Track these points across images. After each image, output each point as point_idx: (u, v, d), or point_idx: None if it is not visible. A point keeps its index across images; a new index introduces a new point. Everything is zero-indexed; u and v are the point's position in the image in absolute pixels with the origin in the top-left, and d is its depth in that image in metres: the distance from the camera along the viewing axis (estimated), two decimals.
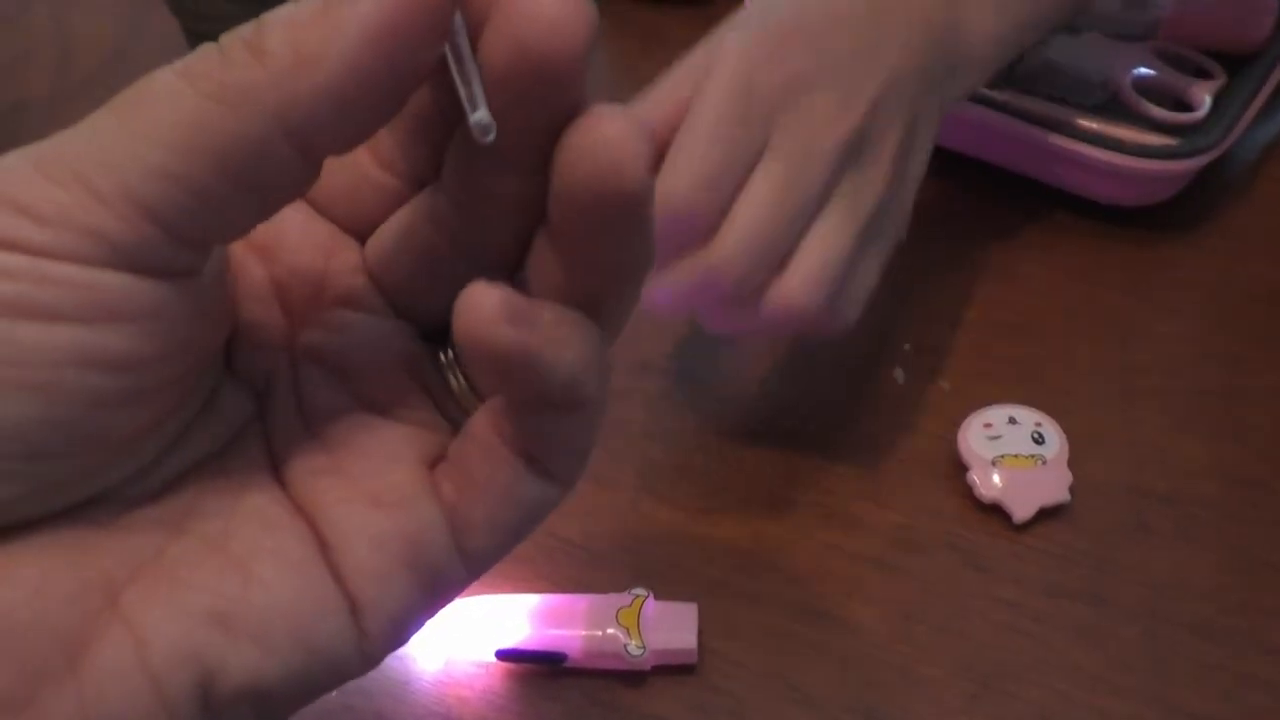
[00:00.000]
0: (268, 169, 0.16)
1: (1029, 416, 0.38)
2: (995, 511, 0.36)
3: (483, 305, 0.16)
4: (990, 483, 0.36)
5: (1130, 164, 0.43)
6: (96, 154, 0.15)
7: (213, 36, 0.16)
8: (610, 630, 0.32)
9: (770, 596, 0.34)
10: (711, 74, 0.33)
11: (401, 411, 0.20)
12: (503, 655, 0.33)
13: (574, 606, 0.33)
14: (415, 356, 0.20)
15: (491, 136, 0.16)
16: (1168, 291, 0.44)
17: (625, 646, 0.32)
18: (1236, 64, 0.48)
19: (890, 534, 0.36)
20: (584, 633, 0.32)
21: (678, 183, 0.32)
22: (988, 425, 0.38)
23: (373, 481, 0.19)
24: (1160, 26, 0.49)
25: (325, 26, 0.15)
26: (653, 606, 0.33)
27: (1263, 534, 0.36)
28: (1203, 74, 0.48)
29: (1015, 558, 0.35)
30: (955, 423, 0.38)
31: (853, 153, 0.33)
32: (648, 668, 0.33)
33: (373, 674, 0.19)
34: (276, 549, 0.18)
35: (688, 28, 0.58)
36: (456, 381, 0.20)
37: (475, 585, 0.19)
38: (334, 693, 0.19)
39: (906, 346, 0.41)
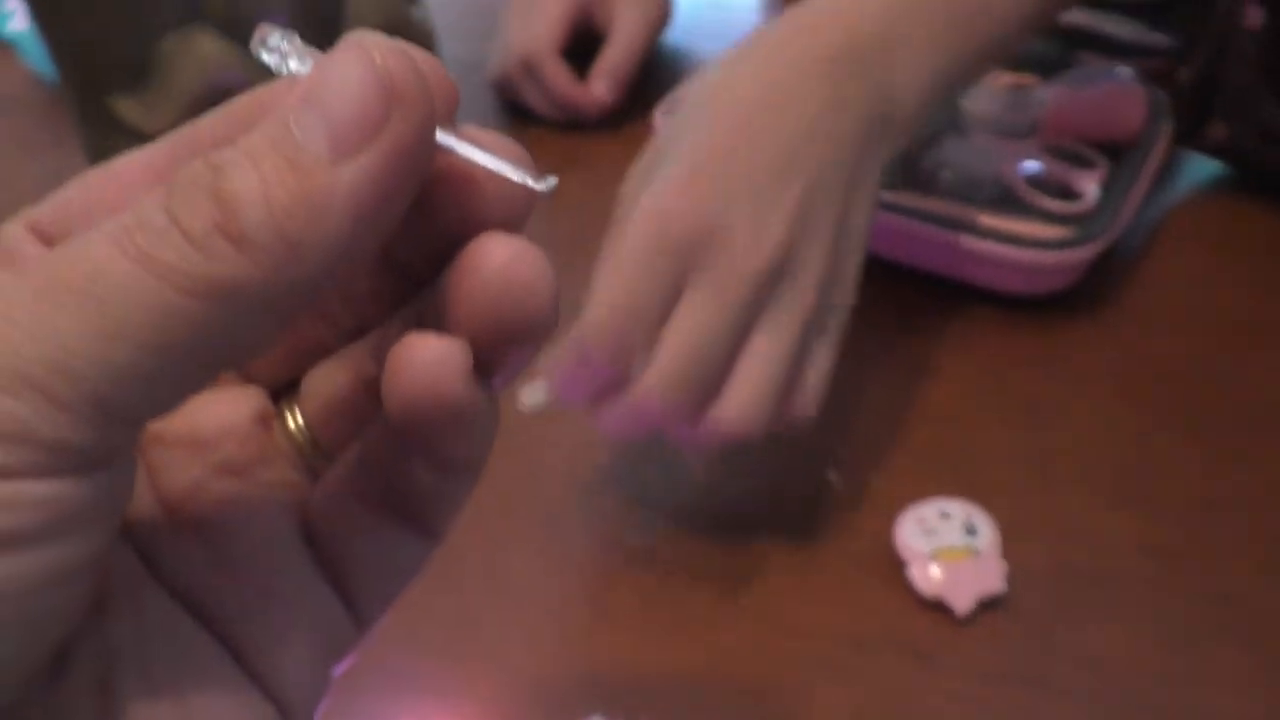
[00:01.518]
0: (247, 349, 0.15)
1: (960, 509, 0.39)
2: (936, 606, 0.37)
3: (449, 360, 0.15)
4: (929, 578, 0.37)
5: (1030, 257, 0.45)
6: (55, 357, 0.13)
7: (118, 149, 0.15)
8: None
9: (726, 711, 0.35)
10: (627, 225, 0.34)
11: (259, 474, 0.18)
12: None
13: None
14: (266, 414, 0.19)
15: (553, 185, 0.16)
16: (1079, 373, 0.46)
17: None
18: (1117, 153, 0.52)
19: (837, 637, 0.37)
20: None
21: (599, 315, 0.33)
22: (921, 521, 0.39)
23: (267, 580, 0.17)
24: (1042, 123, 0.53)
25: (309, 206, 0.14)
26: None
27: (1187, 603, 0.37)
28: (1086, 164, 0.51)
29: (958, 650, 0.36)
30: (890, 519, 0.39)
31: (775, 272, 0.35)
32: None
33: None
34: (199, 672, 0.16)
35: (606, 150, 0.61)
36: (298, 437, 0.19)
37: None
38: None
39: (839, 448, 0.43)
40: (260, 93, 0.16)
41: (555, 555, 0.40)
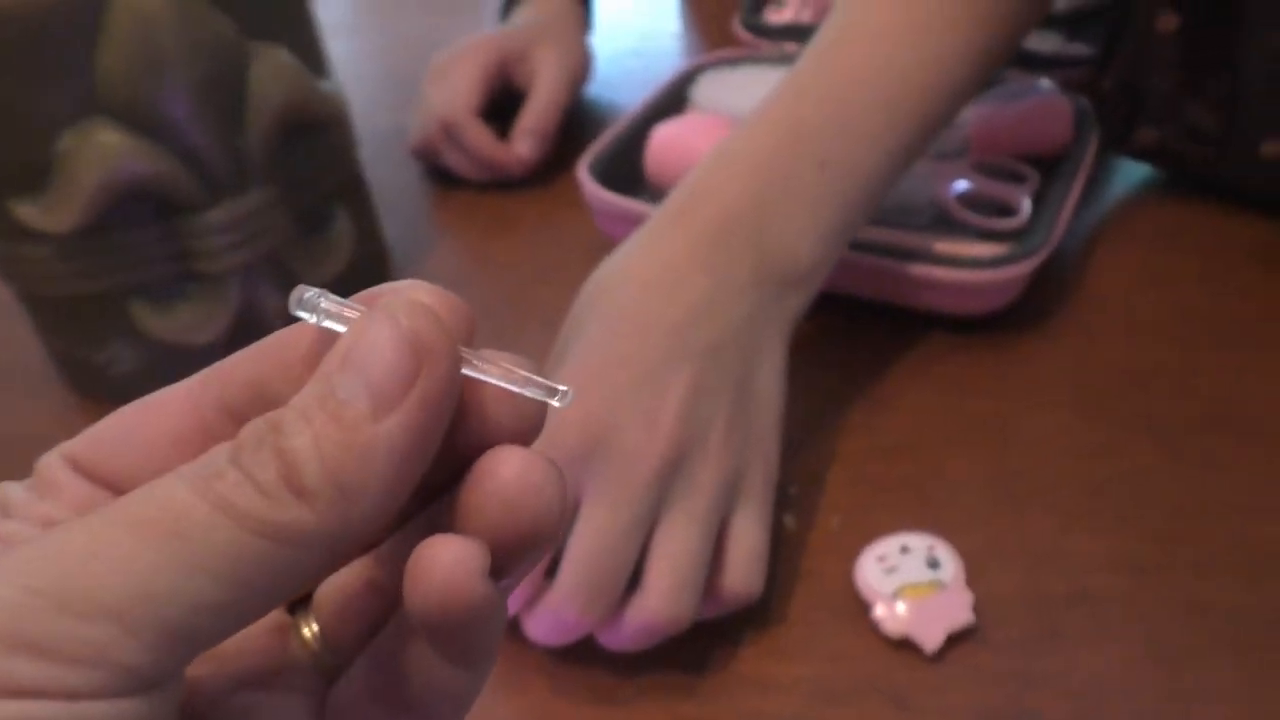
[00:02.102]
0: (306, 582, 0.17)
1: (920, 542, 0.38)
2: (906, 645, 0.35)
3: (469, 561, 0.16)
4: (895, 617, 0.35)
5: (970, 277, 0.44)
6: (133, 587, 0.15)
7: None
8: None
9: None
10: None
11: (277, 683, 0.19)
12: None
13: None
14: (282, 625, 0.20)
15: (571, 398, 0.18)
16: (1032, 390, 0.45)
17: None
18: (1048, 166, 0.51)
19: (808, 689, 0.35)
20: None
21: None
22: (881, 559, 0.37)
23: None
24: (971, 143, 0.52)
25: (359, 458, 0.15)
26: None
27: (1170, 617, 0.35)
28: (1018, 179, 0.51)
29: (938, 690, 0.34)
30: (850, 559, 0.38)
31: (671, 464, 0.34)
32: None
33: None
34: None
35: (533, 210, 0.60)
36: (313, 644, 0.20)
37: None
38: None
39: (792, 490, 0.41)
40: (285, 335, 0.18)
41: (508, 633, 0.38)
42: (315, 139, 0.47)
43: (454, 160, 0.61)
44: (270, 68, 0.43)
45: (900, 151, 0.41)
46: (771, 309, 0.38)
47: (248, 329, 0.48)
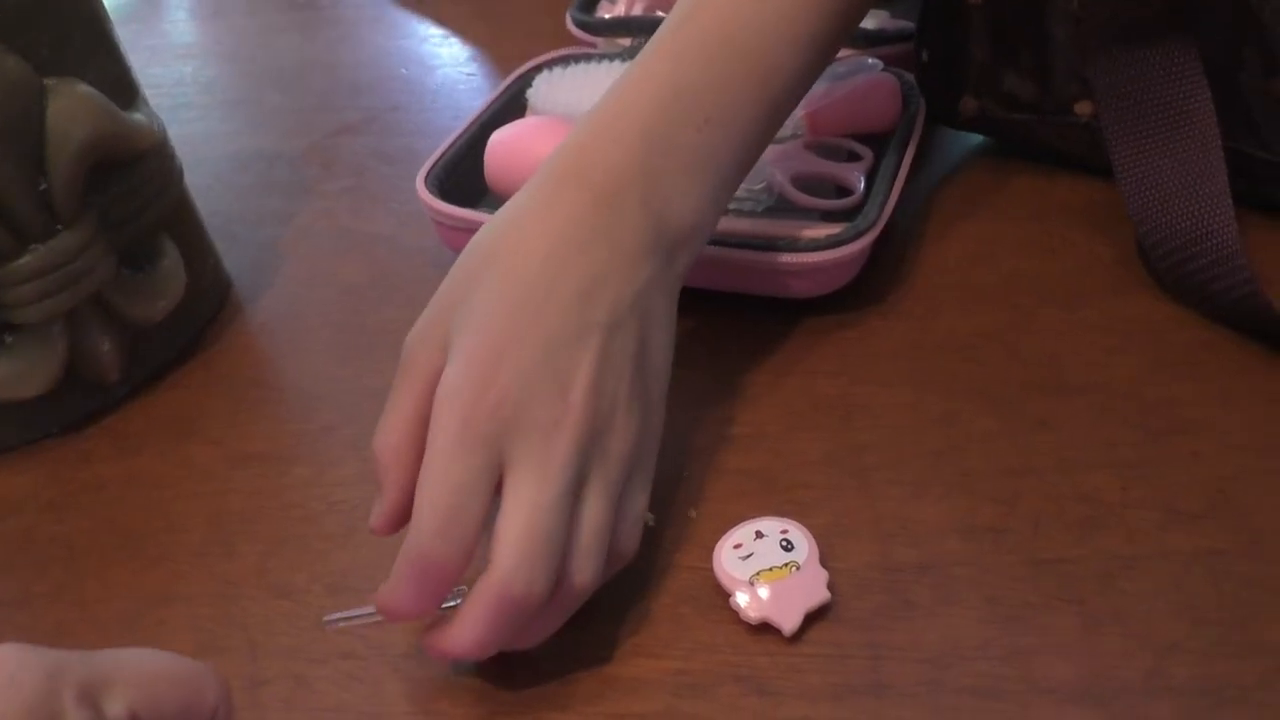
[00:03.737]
0: None
1: (774, 526, 0.38)
2: (767, 629, 0.36)
3: None
4: (753, 602, 0.36)
5: (806, 259, 0.45)
6: None
7: None
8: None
9: None
10: (436, 407, 0.34)
11: None
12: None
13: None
14: None
15: None
16: (878, 364, 0.46)
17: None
18: (882, 142, 0.52)
19: (671, 684, 0.35)
20: None
21: (423, 534, 0.33)
22: (738, 545, 0.38)
23: None
24: (805, 124, 0.53)
25: None
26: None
27: (1011, 579, 0.37)
28: (852, 158, 0.52)
29: (796, 671, 0.35)
30: (710, 550, 0.38)
31: (587, 438, 0.34)
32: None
33: None
34: None
35: (377, 228, 0.58)
36: None
37: None
38: None
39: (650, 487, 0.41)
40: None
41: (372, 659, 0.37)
42: (130, 173, 0.45)
43: None
44: (70, 104, 0.41)
45: (774, 105, 0.42)
46: (663, 275, 0.38)
47: (77, 379, 0.46)
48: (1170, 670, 0.33)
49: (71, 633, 0.38)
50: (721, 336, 0.48)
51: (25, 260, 0.42)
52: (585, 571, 0.35)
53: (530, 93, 0.58)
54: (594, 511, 0.35)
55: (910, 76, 0.55)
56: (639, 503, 0.37)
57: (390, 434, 0.36)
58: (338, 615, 0.37)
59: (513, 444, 0.34)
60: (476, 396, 0.34)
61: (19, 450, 0.46)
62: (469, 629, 0.34)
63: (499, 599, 0.33)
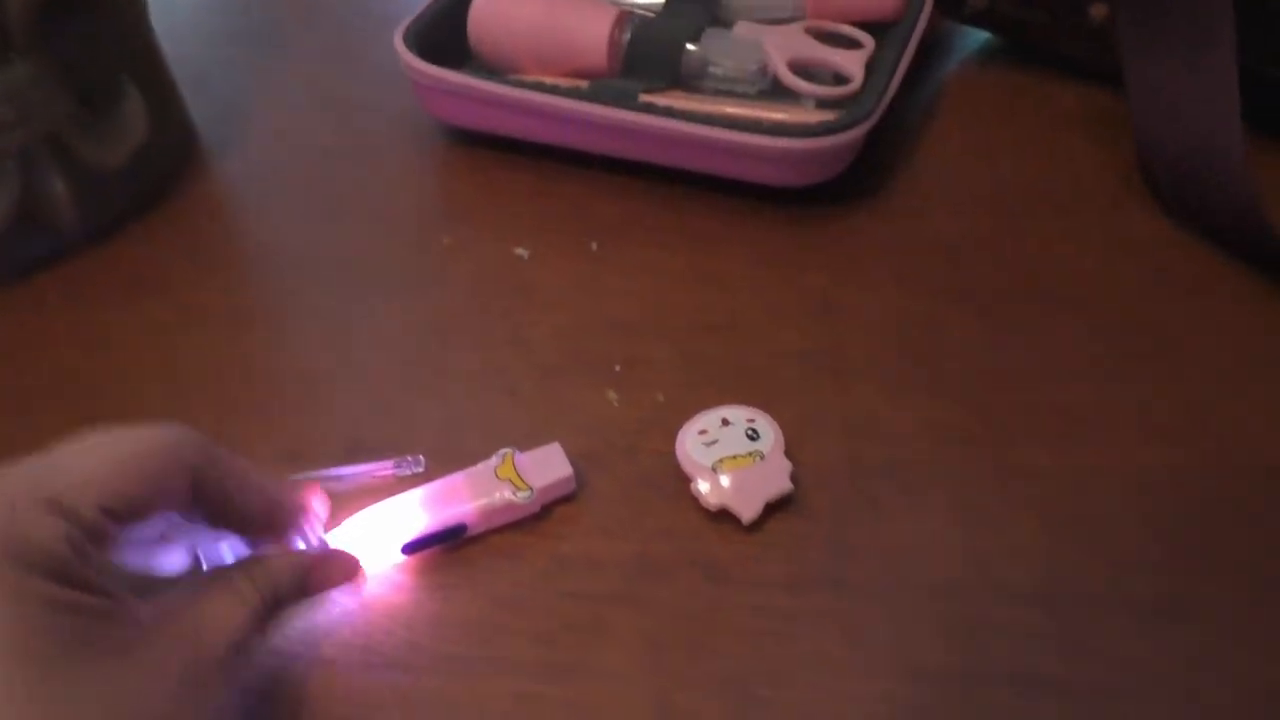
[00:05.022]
0: None
1: (740, 414, 0.37)
2: (726, 517, 0.35)
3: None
4: (714, 489, 0.35)
5: (800, 146, 0.43)
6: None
7: None
8: (495, 488, 0.35)
9: (516, 661, 0.32)
10: None
11: None
12: (409, 548, 0.35)
13: (456, 483, 0.36)
14: None
15: None
16: (862, 262, 0.45)
17: (514, 496, 0.35)
18: (884, 32, 0.50)
19: (628, 566, 0.35)
20: (474, 501, 0.35)
21: None
22: (703, 432, 0.37)
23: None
24: (805, 8, 0.51)
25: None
26: (522, 456, 0.36)
27: (977, 483, 0.36)
28: (852, 45, 0.50)
29: (753, 560, 0.35)
30: (674, 435, 0.37)
31: None
32: (537, 508, 0.36)
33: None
34: None
35: (356, 88, 0.56)
36: None
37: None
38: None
39: (617, 368, 0.40)
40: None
41: None
42: (91, 7, 0.43)
43: None
44: None
45: None
46: None
47: (30, 220, 0.44)
48: (1129, 582, 0.33)
49: None
50: (701, 221, 0.46)
51: None
52: None
53: None
54: None
55: None
56: None
57: None
58: (299, 477, 0.36)
59: None
60: None
61: None
62: None
63: None
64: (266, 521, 0.32)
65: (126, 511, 0.27)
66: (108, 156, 0.45)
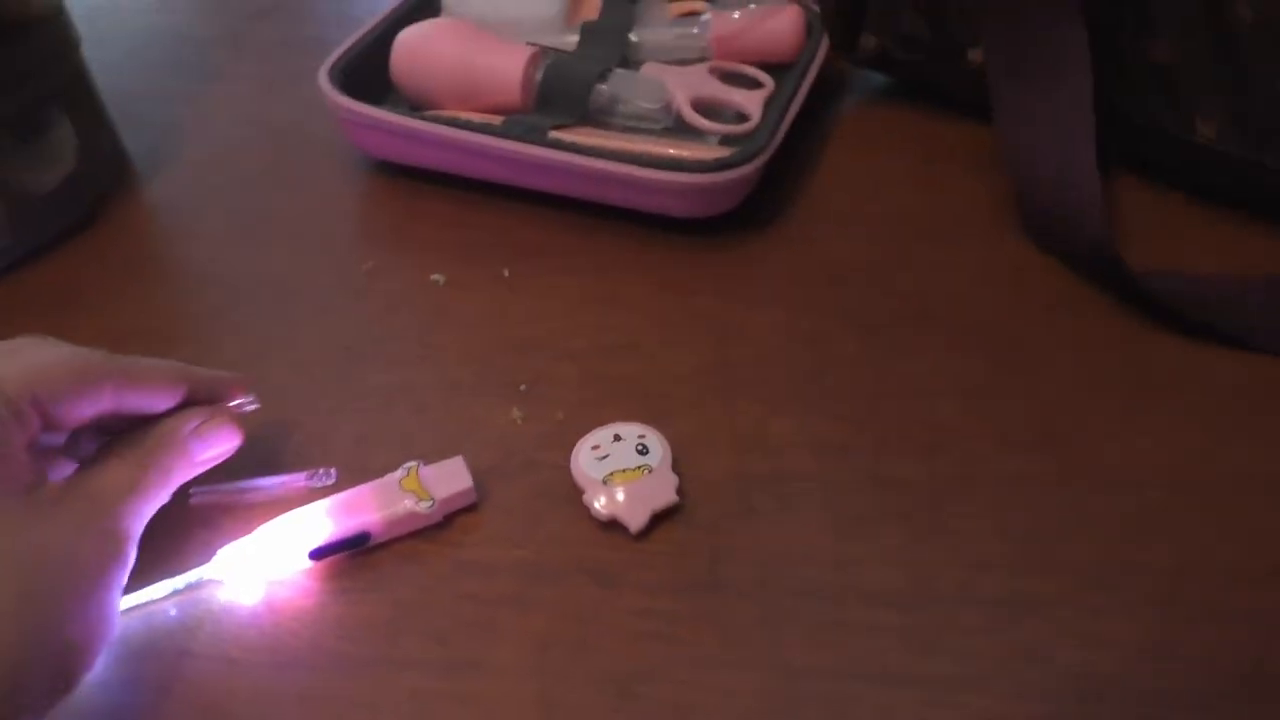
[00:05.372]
0: None
1: (632, 430, 0.40)
2: (616, 527, 0.38)
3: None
4: (604, 501, 0.38)
5: (698, 180, 0.46)
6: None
7: None
8: (399, 499, 0.38)
9: (413, 660, 0.35)
10: None
11: None
12: (316, 554, 0.37)
13: (363, 493, 0.38)
14: None
15: None
16: (755, 287, 0.47)
17: (416, 507, 0.37)
18: (784, 72, 0.53)
19: (522, 571, 0.37)
20: (379, 511, 0.37)
21: None
22: (596, 447, 0.40)
23: None
24: (710, 48, 0.54)
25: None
26: (426, 469, 0.39)
27: (850, 492, 0.39)
28: (753, 85, 0.53)
29: (639, 566, 0.37)
30: (571, 450, 0.40)
31: None
32: (439, 518, 0.38)
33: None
34: None
35: (282, 118, 0.58)
36: None
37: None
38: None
39: (522, 387, 0.43)
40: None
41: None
42: (19, 38, 0.45)
43: None
44: None
45: None
46: None
47: None
48: (979, 582, 0.36)
49: None
50: (607, 248, 0.49)
51: None
52: None
53: None
54: None
55: (814, 10, 0.56)
56: None
57: None
58: (204, 489, 0.38)
59: None
60: None
61: None
62: None
63: None
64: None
65: (50, 404, 0.33)
66: (38, 181, 0.47)
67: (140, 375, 0.36)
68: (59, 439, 0.36)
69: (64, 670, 0.31)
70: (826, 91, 0.57)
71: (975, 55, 0.51)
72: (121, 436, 0.36)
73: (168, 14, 0.69)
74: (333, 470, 0.40)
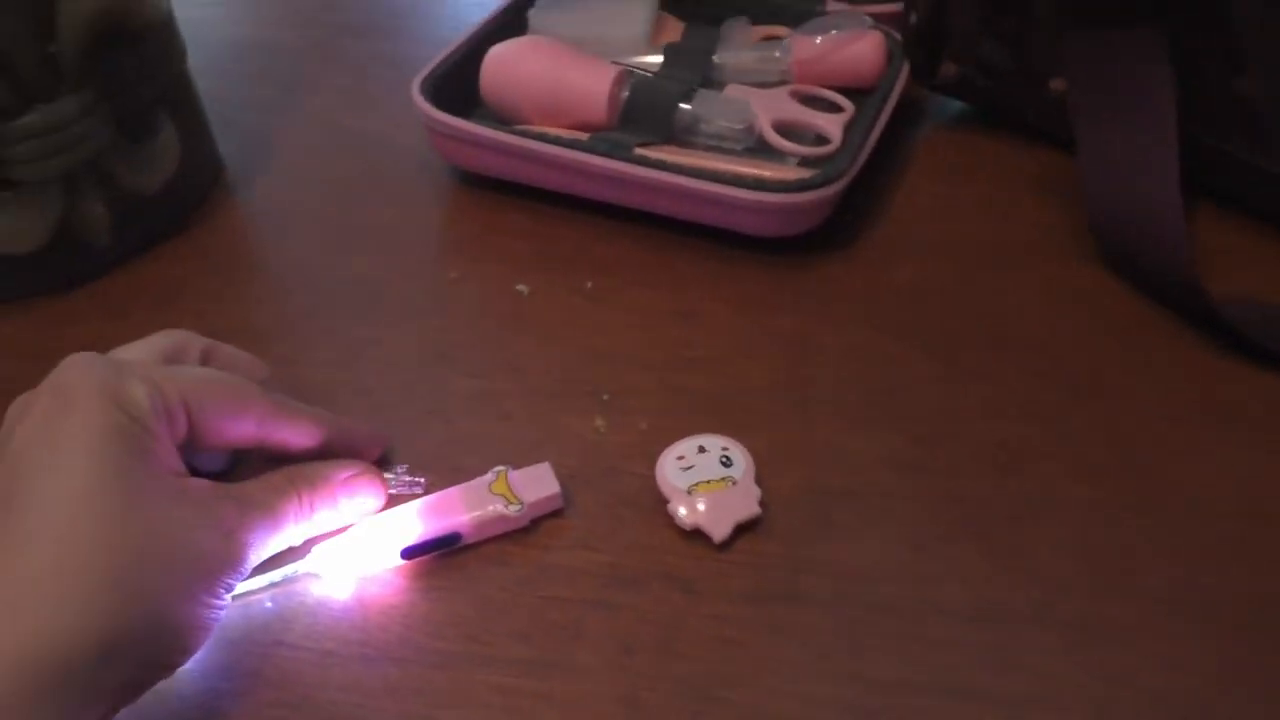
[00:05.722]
0: None
1: (716, 443, 0.41)
2: (698, 537, 0.39)
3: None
4: (689, 511, 0.39)
5: (775, 199, 0.47)
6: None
7: None
8: (488, 502, 0.39)
9: (499, 657, 0.36)
10: None
11: None
12: (408, 553, 0.38)
13: (452, 495, 0.40)
14: None
15: None
16: (831, 305, 0.48)
17: (505, 510, 0.39)
18: (864, 97, 0.54)
19: (606, 576, 0.38)
20: (468, 512, 0.39)
21: None
22: (680, 457, 0.40)
23: None
24: (792, 72, 0.55)
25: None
26: (515, 474, 0.40)
27: (926, 511, 0.40)
28: (834, 109, 0.54)
29: (721, 575, 0.38)
30: (655, 460, 0.41)
31: None
32: (527, 522, 0.39)
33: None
34: None
35: (372, 129, 0.60)
36: None
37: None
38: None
39: (605, 397, 0.44)
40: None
41: None
42: (136, 45, 0.47)
43: None
44: None
45: None
46: None
47: (70, 240, 0.47)
48: (1057, 604, 0.37)
49: None
50: (686, 265, 0.50)
51: (28, 119, 0.43)
52: None
53: (532, 12, 0.59)
54: None
55: (896, 35, 0.57)
56: None
57: None
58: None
59: None
60: None
61: (12, 303, 0.48)
62: None
63: None
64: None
65: (199, 416, 0.35)
66: (143, 182, 0.49)
67: (288, 412, 0.38)
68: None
69: (160, 654, 0.32)
70: (905, 116, 0.58)
71: (1057, 84, 0.51)
72: (276, 467, 0.38)
73: (261, 26, 0.72)
74: (421, 479, 0.41)
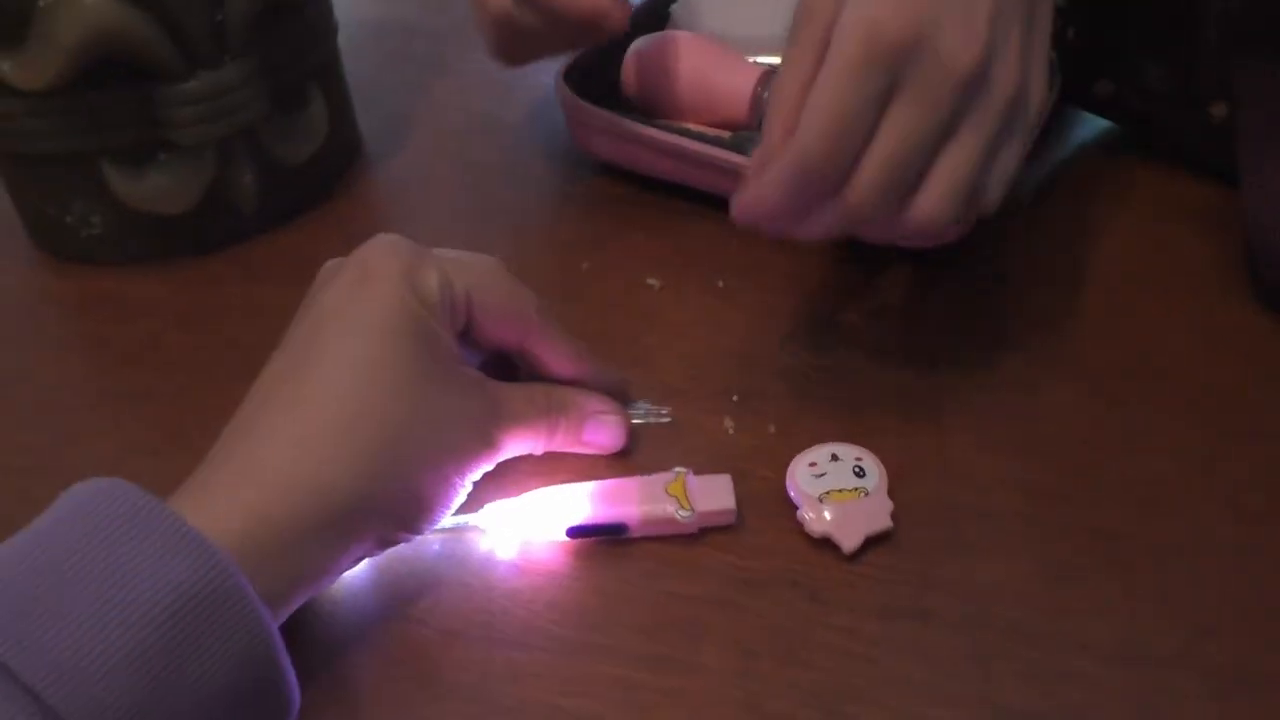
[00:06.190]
0: None
1: (849, 452, 0.40)
2: (826, 544, 0.38)
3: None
4: (819, 518, 0.38)
5: None
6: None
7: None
8: (662, 501, 0.38)
9: (617, 649, 0.36)
10: (840, 30, 0.34)
11: None
12: (573, 532, 0.38)
13: (628, 486, 0.39)
14: None
15: None
16: (975, 324, 0.47)
17: (676, 513, 0.38)
18: None
19: (730, 577, 0.38)
20: (640, 506, 0.38)
21: (808, 146, 0.35)
22: (813, 464, 0.40)
23: None
24: None
25: None
26: (694, 479, 0.39)
27: (1064, 539, 0.38)
28: None
29: (847, 586, 0.37)
30: (783, 464, 0.40)
31: (980, 72, 0.35)
32: (695, 530, 0.39)
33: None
34: None
35: (510, 114, 0.60)
36: None
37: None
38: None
39: (734, 398, 0.44)
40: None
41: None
42: (294, 17, 0.48)
43: (532, 36, 0.49)
44: None
45: None
46: None
47: (218, 204, 0.49)
48: (1202, 649, 0.35)
49: (187, 434, 0.42)
50: (818, 271, 0.50)
51: (192, 84, 0.44)
52: (939, 209, 0.36)
53: (675, 7, 0.59)
54: (965, 147, 0.35)
55: (1051, 51, 0.55)
56: (1008, 161, 0.37)
57: (787, 81, 0.36)
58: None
59: (909, 71, 0.34)
60: (890, 16, 0.34)
61: (159, 262, 0.50)
62: (764, 188, 0.36)
63: (851, 210, 0.36)
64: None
65: (479, 314, 0.37)
66: (291, 154, 0.50)
67: (560, 336, 0.40)
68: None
69: (406, 517, 0.35)
70: (1055, 136, 0.57)
71: (1218, 110, 0.50)
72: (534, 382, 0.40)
73: (398, 6, 0.73)
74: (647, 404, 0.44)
